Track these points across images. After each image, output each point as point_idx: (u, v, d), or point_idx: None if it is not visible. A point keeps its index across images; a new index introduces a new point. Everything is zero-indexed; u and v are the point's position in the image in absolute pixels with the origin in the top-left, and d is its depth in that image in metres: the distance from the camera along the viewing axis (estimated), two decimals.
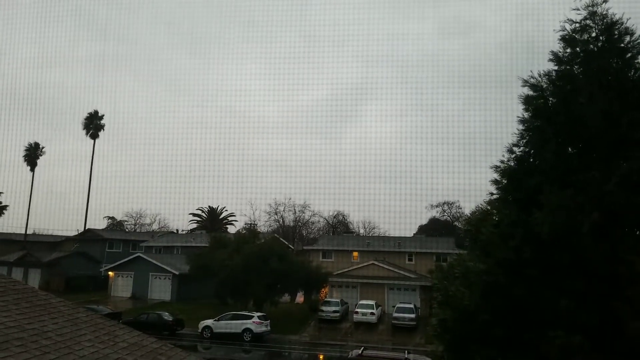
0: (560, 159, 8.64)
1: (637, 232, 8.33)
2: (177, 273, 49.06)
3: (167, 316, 35.91)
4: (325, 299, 43.59)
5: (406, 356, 19.45)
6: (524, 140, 9.23)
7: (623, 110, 8.20)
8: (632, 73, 8.64)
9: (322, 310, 40.63)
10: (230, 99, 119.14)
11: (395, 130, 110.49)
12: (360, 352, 20.58)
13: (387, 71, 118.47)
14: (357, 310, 39.88)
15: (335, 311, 40.42)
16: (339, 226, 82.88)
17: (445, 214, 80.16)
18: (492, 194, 9.51)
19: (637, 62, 8.65)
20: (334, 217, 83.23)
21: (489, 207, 9.79)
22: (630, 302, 7.23)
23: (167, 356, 8.48)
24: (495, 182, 9.38)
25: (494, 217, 9.28)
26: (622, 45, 8.69)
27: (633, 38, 8.62)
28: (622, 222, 7.97)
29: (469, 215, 11.07)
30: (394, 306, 40.45)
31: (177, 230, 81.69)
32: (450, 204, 78.19)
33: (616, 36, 8.66)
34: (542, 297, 7.83)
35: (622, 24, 8.71)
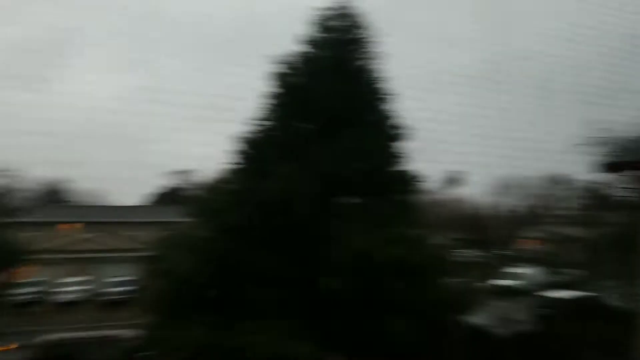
0: (297, 134, 9.54)
1: (341, 201, 9.54)
2: None
3: None
4: (20, 281, 37.80)
5: (109, 333, 18.12)
6: (272, 115, 9.66)
7: (349, 95, 9.24)
8: (355, 63, 9.75)
9: (15, 293, 35.13)
10: None
11: (127, 89, 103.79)
12: (52, 336, 18.28)
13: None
14: (60, 289, 35.90)
15: (29, 293, 35.47)
16: (52, 194, 73.34)
17: (178, 182, 78.70)
18: (232, 163, 9.70)
19: (360, 54, 9.82)
20: (48, 184, 73.28)
21: (225, 176, 9.89)
22: (325, 259, 8.31)
23: None
24: (237, 152, 9.63)
25: (230, 185, 9.57)
26: (350, 36, 9.73)
27: (366, 31, 9.77)
28: (333, 192, 9.01)
29: (202, 184, 11.05)
30: (108, 280, 37.74)
31: None
32: (184, 172, 76.96)
33: (353, 28, 9.72)
34: (256, 257, 8.45)
35: (352, 17, 9.76)
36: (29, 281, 36.87)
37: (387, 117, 9.90)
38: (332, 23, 9.88)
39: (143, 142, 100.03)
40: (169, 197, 68.79)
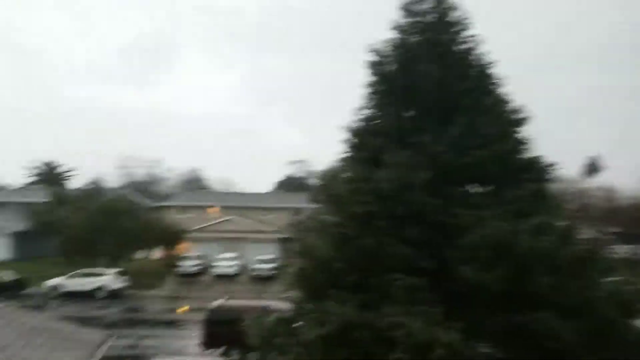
0: (399, 121, 9.57)
1: (464, 189, 9.61)
2: (13, 230, 44.52)
3: (6, 276, 32.77)
4: (183, 255, 43.15)
5: (266, 303, 20.30)
6: (371, 103, 9.99)
7: (454, 79, 9.31)
8: (457, 47, 9.73)
9: (180, 265, 40.33)
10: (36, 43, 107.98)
11: (235, 85, 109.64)
12: (221, 302, 21.04)
13: (203, 20, 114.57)
14: (216, 263, 40.31)
15: (194, 265, 40.42)
16: (197, 182, 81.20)
17: (300, 170, 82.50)
18: (343, 152, 10.18)
19: (461, 37, 9.74)
20: (191, 173, 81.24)
21: (341, 165, 10.40)
22: (460, 249, 8.39)
23: (9, 318, 8.10)
24: (346, 141, 10.04)
25: (346, 174, 9.95)
26: (449, 19, 9.69)
27: (458, 14, 9.66)
28: (451, 180, 9.19)
29: (323, 172, 11.71)
30: (254, 258, 41.54)
31: (9, 185, 73.19)
32: (303, 162, 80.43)
33: (444, 11, 9.64)
34: (388, 245, 8.74)
35: None
36: (191, 255, 42.00)
37: (503, 101, 9.59)
38: (424, 7, 9.70)
39: (259, 134, 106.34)
40: (293, 185, 72.28)
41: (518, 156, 9.51)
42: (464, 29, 9.70)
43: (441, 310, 8.05)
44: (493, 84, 9.71)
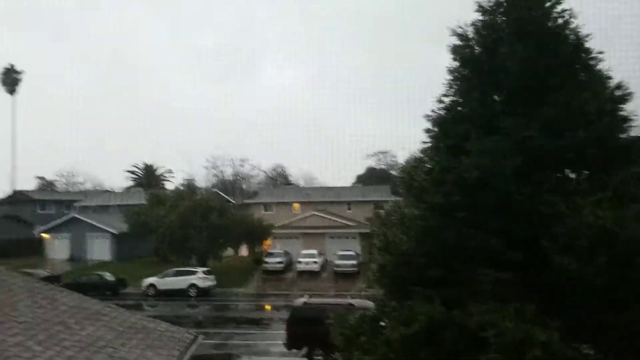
0: (485, 107, 9.01)
1: (557, 175, 8.88)
2: (115, 232, 47.89)
3: (108, 276, 35.32)
4: (269, 251, 44.19)
5: (350, 301, 20.16)
6: (453, 90, 9.51)
7: (543, 57, 8.60)
8: (550, 22, 9.00)
9: (266, 262, 41.31)
10: (137, 52, 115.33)
11: (317, 79, 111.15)
12: (305, 300, 21.17)
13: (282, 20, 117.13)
14: (300, 260, 40.83)
15: (279, 262, 41.23)
16: (279, 179, 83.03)
17: (381, 163, 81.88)
18: (424, 142, 9.81)
19: (556, 11, 9.01)
20: (274, 170, 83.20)
21: (422, 155, 10.07)
22: (554, 238, 7.71)
23: (111, 317, 8.45)
24: (427, 130, 9.65)
25: (427, 165, 9.57)
26: None
27: None
28: (543, 165, 8.50)
29: (404, 163, 11.42)
30: (335, 254, 41.65)
31: (112, 188, 78.99)
32: (385, 153, 79.78)
33: None
34: (473, 237, 8.25)
35: None
36: (275, 252, 42.92)
37: (602, 77, 8.74)
38: None
39: (337, 127, 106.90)
40: (375, 177, 71.77)
41: (620, 136, 8.61)
42: (557, 3, 8.95)
43: (535, 307, 7.43)
44: (590, 59, 8.86)
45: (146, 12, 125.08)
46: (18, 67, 71.83)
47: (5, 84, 71.45)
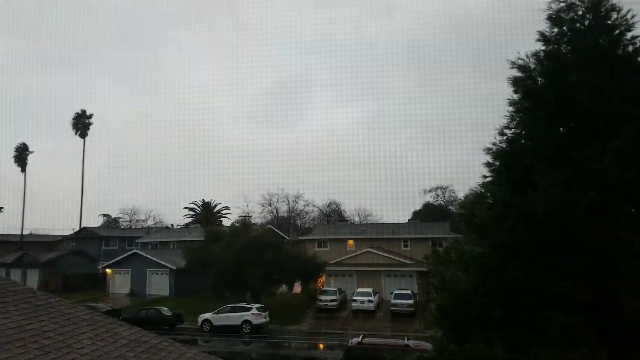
0: (551, 138, 8.64)
1: (632, 210, 8.33)
2: (174, 268, 49.06)
3: (166, 311, 35.98)
4: (323, 288, 43.75)
5: (406, 342, 19.51)
6: (515, 122, 9.21)
7: (613, 87, 8.20)
8: (620, 50, 8.62)
9: (320, 300, 40.84)
10: (200, 95, 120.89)
11: (371, 115, 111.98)
12: (359, 339, 20.65)
13: (333, 57, 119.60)
14: (355, 298, 40.09)
15: (333, 300, 40.62)
16: (333, 215, 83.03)
17: (439, 198, 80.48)
18: (485, 176, 9.48)
19: (626, 39, 8.62)
20: (328, 206, 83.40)
21: (482, 190, 9.75)
22: (628, 279, 7.22)
23: (168, 351, 8.49)
24: (487, 164, 9.33)
25: (488, 200, 9.26)
26: (610, 22, 8.66)
27: (620, 15, 8.58)
28: (616, 199, 7.99)
29: (463, 199, 11.11)
30: (391, 293, 40.66)
31: (172, 225, 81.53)
32: (444, 189, 78.50)
33: (603, 13, 8.63)
34: (538, 277, 7.83)
35: (608, 0, 8.70)
36: (329, 289, 42.41)
37: None
38: (576, 13, 8.99)
39: (394, 163, 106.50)
40: (432, 213, 70.46)
41: None
42: (627, 30, 8.58)
43: (606, 354, 6.93)
44: None
45: (208, 60, 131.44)
46: (88, 112, 76.36)
47: (76, 128, 75.78)
